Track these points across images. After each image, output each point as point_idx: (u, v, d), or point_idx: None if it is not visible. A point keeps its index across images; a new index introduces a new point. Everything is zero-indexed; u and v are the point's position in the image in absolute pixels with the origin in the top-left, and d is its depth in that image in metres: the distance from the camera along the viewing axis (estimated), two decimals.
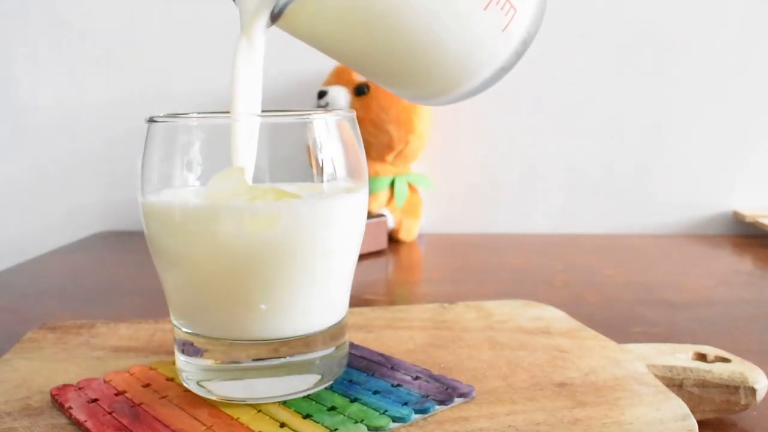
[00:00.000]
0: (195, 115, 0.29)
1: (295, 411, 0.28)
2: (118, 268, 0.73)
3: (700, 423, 0.29)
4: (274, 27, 0.29)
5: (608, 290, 0.59)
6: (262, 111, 0.29)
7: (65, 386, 0.31)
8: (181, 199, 0.29)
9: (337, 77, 0.82)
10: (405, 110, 0.80)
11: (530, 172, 0.89)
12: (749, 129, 0.85)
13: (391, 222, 0.82)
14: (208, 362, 0.30)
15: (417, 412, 0.28)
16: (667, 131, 0.72)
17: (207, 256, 0.28)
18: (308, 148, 0.29)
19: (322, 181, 0.29)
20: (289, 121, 0.29)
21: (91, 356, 0.35)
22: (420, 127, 0.81)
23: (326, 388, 0.31)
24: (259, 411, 0.28)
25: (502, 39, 0.30)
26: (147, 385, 0.31)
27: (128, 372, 0.33)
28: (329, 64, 0.84)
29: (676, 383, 0.32)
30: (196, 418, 0.28)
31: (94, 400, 0.29)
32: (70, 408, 0.29)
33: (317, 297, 0.30)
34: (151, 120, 0.30)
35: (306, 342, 0.30)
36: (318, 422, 0.27)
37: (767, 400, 0.32)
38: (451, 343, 0.37)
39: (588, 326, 0.40)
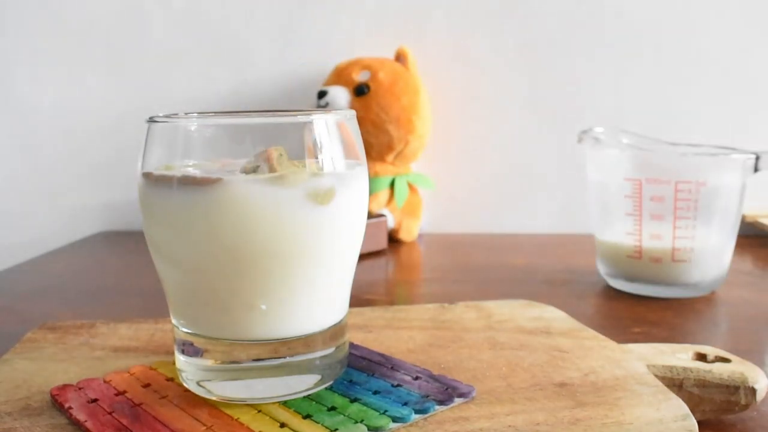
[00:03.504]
0: (195, 115, 0.29)
1: (295, 411, 0.28)
2: (118, 268, 0.73)
3: (700, 423, 0.29)
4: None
5: (608, 290, 0.59)
6: (263, 111, 0.29)
7: (65, 386, 0.31)
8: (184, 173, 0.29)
9: (337, 77, 0.82)
10: (405, 110, 0.80)
11: (530, 172, 0.89)
12: (749, 129, 0.85)
13: (391, 222, 0.82)
14: (208, 362, 0.30)
15: (417, 412, 0.28)
16: (668, 131, 0.72)
17: (207, 249, 0.28)
18: (308, 148, 0.29)
19: None
20: (289, 121, 0.29)
21: (91, 356, 0.35)
22: (420, 127, 0.81)
23: (326, 388, 0.31)
24: (259, 411, 0.28)
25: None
26: (147, 385, 0.31)
27: (128, 372, 0.33)
28: (329, 64, 0.85)
29: (676, 383, 0.32)
30: (196, 418, 0.28)
31: (94, 400, 0.29)
32: (70, 408, 0.29)
33: (317, 297, 0.30)
34: (151, 120, 0.30)
35: (306, 342, 0.30)
36: (318, 422, 0.27)
37: (767, 400, 0.32)
38: (451, 343, 0.37)
39: (588, 326, 0.40)
